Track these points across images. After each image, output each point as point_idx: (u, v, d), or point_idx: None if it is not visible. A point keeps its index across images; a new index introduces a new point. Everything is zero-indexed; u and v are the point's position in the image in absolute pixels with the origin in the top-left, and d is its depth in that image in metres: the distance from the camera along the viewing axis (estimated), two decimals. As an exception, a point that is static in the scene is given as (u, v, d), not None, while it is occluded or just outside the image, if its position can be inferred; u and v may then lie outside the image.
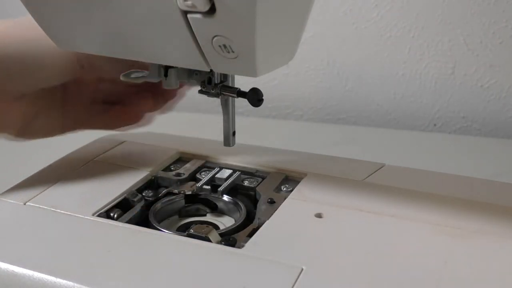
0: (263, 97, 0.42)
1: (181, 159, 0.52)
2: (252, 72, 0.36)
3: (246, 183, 0.47)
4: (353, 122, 0.88)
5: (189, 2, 0.33)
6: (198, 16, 0.34)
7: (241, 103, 0.48)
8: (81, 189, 0.46)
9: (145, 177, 0.47)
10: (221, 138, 0.46)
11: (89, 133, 0.56)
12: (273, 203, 0.43)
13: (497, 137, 0.83)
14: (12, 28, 0.46)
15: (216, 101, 0.46)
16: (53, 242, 0.39)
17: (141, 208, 0.44)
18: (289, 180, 0.47)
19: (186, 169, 0.49)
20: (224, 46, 0.35)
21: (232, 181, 0.46)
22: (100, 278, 0.35)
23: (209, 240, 0.39)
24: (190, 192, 0.46)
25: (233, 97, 0.43)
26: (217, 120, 0.46)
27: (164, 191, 0.47)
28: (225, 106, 0.44)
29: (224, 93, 0.43)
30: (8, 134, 0.47)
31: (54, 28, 0.41)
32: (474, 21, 0.79)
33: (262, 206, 0.43)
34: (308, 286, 0.34)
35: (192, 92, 0.47)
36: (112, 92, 0.51)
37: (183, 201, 0.46)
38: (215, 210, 0.46)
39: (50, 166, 0.50)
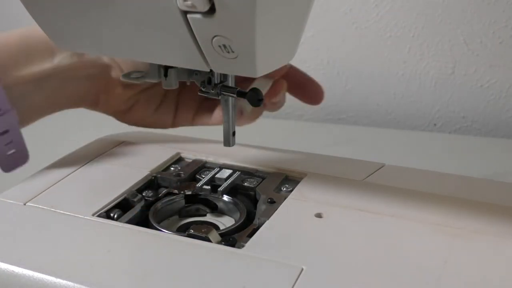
0: (263, 97, 0.42)
1: (181, 159, 0.52)
2: (252, 72, 0.36)
3: (246, 183, 0.47)
4: (353, 122, 0.88)
5: (189, 2, 0.33)
6: (198, 16, 0.34)
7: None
8: (81, 189, 0.46)
9: (145, 177, 0.47)
10: (221, 138, 0.46)
11: (89, 133, 0.56)
12: (273, 203, 0.43)
13: (497, 137, 0.83)
14: None
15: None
16: (53, 242, 0.39)
17: (141, 208, 0.44)
18: (289, 180, 0.47)
19: (186, 169, 0.49)
20: (224, 46, 0.35)
21: (232, 181, 0.46)
22: (100, 278, 0.35)
23: (209, 240, 0.39)
24: (190, 192, 0.46)
25: (233, 97, 0.43)
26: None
27: (164, 191, 0.47)
28: (225, 106, 0.44)
29: (224, 93, 0.43)
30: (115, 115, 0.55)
31: (54, 28, 0.41)
32: (474, 21, 0.79)
33: (262, 206, 0.43)
34: (308, 286, 0.34)
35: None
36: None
37: (183, 201, 0.46)
38: (215, 210, 0.46)
39: (50, 166, 0.50)
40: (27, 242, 0.39)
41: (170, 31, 0.36)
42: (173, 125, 0.55)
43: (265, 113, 0.90)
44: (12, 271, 0.36)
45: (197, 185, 0.46)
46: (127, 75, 0.44)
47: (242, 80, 0.44)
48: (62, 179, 0.47)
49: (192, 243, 0.38)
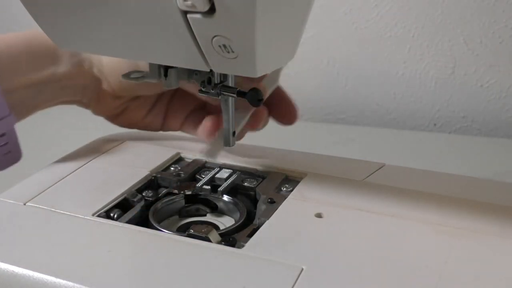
0: (263, 97, 0.42)
1: (181, 159, 0.52)
2: (252, 72, 0.36)
3: (246, 183, 0.47)
4: (353, 122, 0.88)
5: (189, 2, 0.33)
6: (198, 16, 0.34)
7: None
8: (81, 189, 0.46)
9: (145, 177, 0.47)
10: (221, 138, 0.46)
11: (89, 133, 0.56)
12: (273, 203, 0.43)
13: (497, 137, 0.83)
14: None
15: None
16: (53, 242, 0.39)
17: (141, 208, 0.44)
18: (289, 180, 0.47)
19: (186, 169, 0.49)
20: (224, 46, 0.35)
21: (232, 181, 0.46)
22: (100, 278, 0.35)
23: (209, 240, 0.39)
24: (190, 192, 0.46)
25: (233, 97, 0.43)
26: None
27: (164, 191, 0.47)
28: (225, 106, 0.44)
29: (224, 93, 0.43)
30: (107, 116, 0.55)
31: (54, 28, 0.41)
32: (474, 21, 0.79)
33: (262, 206, 0.43)
34: (308, 286, 0.34)
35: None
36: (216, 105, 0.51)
37: (183, 201, 0.46)
38: (215, 210, 0.46)
39: (50, 166, 0.50)
40: (27, 242, 0.39)
41: (170, 31, 0.36)
42: (163, 129, 0.56)
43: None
44: (12, 271, 0.36)
45: (197, 185, 0.46)
46: (127, 75, 0.44)
47: (221, 111, 0.45)
48: (62, 179, 0.47)
49: (192, 243, 0.38)
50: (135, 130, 0.56)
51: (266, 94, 0.48)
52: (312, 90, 0.88)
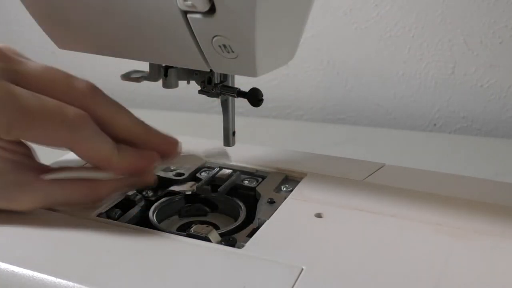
0: (263, 97, 0.42)
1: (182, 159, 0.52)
2: (252, 72, 0.36)
3: (246, 183, 0.47)
4: (353, 122, 0.88)
5: (189, 2, 0.33)
6: (198, 16, 0.34)
7: (241, 103, 0.48)
8: (81, 189, 0.46)
9: (145, 177, 0.47)
10: (221, 138, 0.46)
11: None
12: (273, 203, 0.43)
13: (497, 137, 0.83)
14: None
15: (216, 101, 0.46)
16: (53, 242, 0.39)
17: (141, 208, 0.44)
18: (289, 180, 0.47)
19: (186, 169, 0.49)
20: (224, 46, 0.35)
21: (232, 181, 0.46)
22: (100, 278, 0.35)
23: (209, 240, 0.39)
24: (190, 192, 0.46)
25: (233, 97, 0.43)
26: (217, 120, 0.46)
27: (164, 191, 0.47)
28: (225, 106, 0.44)
29: (224, 93, 0.43)
30: None
31: (54, 28, 0.41)
32: (474, 21, 0.79)
33: (262, 206, 0.43)
34: (308, 286, 0.34)
35: (192, 92, 0.47)
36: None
37: (183, 201, 0.46)
38: (215, 210, 0.46)
39: (50, 166, 0.50)
40: (27, 242, 0.39)
41: (170, 31, 0.36)
42: None
43: (265, 113, 0.91)
44: (12, 271, 0.36)
45: (197, 185, 0.46)
46: (127, 75, 0.44)
47: None
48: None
49: (192, 243, 0.38)
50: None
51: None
52: (312, 90, 0.88)
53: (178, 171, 0.49)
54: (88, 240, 0.39)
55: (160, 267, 0.36)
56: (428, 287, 0.34)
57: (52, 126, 0.39)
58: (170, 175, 0.48)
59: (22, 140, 0.41)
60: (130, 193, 0.45)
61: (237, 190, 0.47)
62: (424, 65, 0.83)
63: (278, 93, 0.89)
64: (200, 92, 0.44)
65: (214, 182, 0.46)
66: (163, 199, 0.45)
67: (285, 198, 0.44)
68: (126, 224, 0.41)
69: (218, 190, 0.45)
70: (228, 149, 0.46)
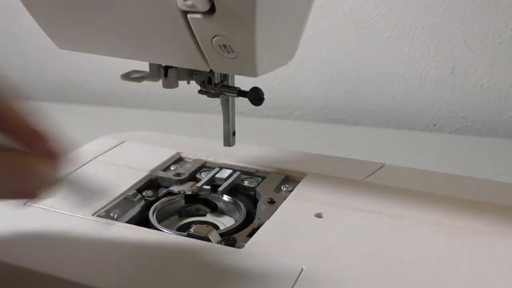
0: (264, 96, 0.42)
1: (181, 159, 0.52)
2: (252, 72, 0.36)
3: (246, 183, 0.47)
4: (353, 122, 0.88)
5: (189, 2, 0.33)
6: (198, 16, 0.34)
7: (241, 103, 0.48)
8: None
9: (145, 177, 0.47)
10: (221, 138, 0.46)
11: (89, 133, 0.56)
12: (273, 203, 0.43)
13: (497, 137, 0.83)
14: None
15: (216, 101, 0.46)
16: (53, 242, 0.39)
17: (141, 208, 0.44)
18: (289, 180, 0.47)
19: (186, 169, 0.49)
20: (224, 46, 0.35)
21: (232, 181, 0.46)
22: (100, 278, 0.35)
23: (209, 240, 0.39)
24: (190, 192, 0.46)
25: (233, 96, 0.43)
26: (217, 120, 0.46)
27: (164, 191, 0.47)
28: (225, 106, 0.44)
29: (225, 92, 0.43)
30: None
31: (54, 28, 0.41)
32: (474, 21, 0.79)
33: (262, 206, 0.43)
34: (308, 286, 0.34)
35: (192, 92, 0.47)
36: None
37: (183, 201, 0.46)
38: (215, 210, 0.46)
39: (50, 166, 0.50)
40: (27, 242, 0.39)
41: (170, 31, 0.36)
42: None
43: (265, 113, 0.91)
44: (12, 271, 0.36)
45: (197, 185, 0.46)
46: (127, 75, 0.44)
47: None
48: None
49: (192, 243, 0.38)
50: (135, 130, 0.56)
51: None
52: (312, 90, 0.88)
53: (178, 171, 0.49)
54: (88, 240, 0.39)
55: (160, 267, 0.36)
56: (428, 287, 0.34)
57: None
58: (170, 175, 0.48)
59: None
60: (130, 193, 0.45)
61: (237, 190, 0.47)
62: (424, 65, 0.83)
63: (278, 93, 0.89)
64: (200, 92, 0.44)
65: (214, 182, 0.46)
66: (163, 199, 0.45)
67: (285, 198, 0.44)
68: (126, 224, 0.41)
69: (218, 190, 0.45)
70: (228, 149, 0.46)
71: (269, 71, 0.37)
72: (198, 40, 0.35)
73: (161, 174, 0.48)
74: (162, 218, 0.45)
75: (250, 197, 0.46)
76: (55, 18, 0.40)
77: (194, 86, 0.45)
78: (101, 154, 0.51)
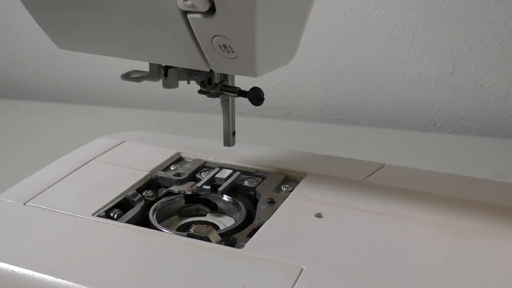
0: (264, 96, 0.42)
1: (181, 159, 0.52)
2: (252, 72, 0.36)
3: (246, 183, 0.47)
4: (353, 122, 0.88)
5: (189, 2, 0.33)
6: (198, 16, 0.34)
7: (242, 103, 0.48)
8: (81, 189, 0.46)
9: (145, 177, 0.48)
10: (221, 138, 0.46)
11: (89, 133, 0.56)
12: (273, 203, 0.43)
13: (497, 137, 0.83)
14: None
15: (216, 101, 0.46)
16: (53, 242, 0.39)
17: (141, 208, 0.44)
18: (289, 180, 0.47)
19: (186, 169, 0.49)
20: (224, 46, 0.35)
21: (232, 181, 0.46)
22: (100, 278, 0.35)
23: (209, 240, 0.39)
24: (190, 192, 0.46)
25: (233, 96, 0.43)
26: (217, 120, 0.46)
27: (164, 191, 0.47)
28: (225, 106, 0.44)
29: (225, 92, 0.43)
30: None
31: (54, 28, 0.41)
32: (474, 21, 0.79)
33: (262, 206, 0.43)
34: (308, 286, 0.34)
35: (192, 92, 0.47)
36: None
37: (183, 201, 0.46)
38: (215, 210, 0.46)
39: (50, 166, 0.50)
40: (27, 242, 0.39)
41: (170, 31, 0.36)
42: None
43: (265, 113, 0.91)
44: (12, 271, 0.36)
45: (197, 185, 0.46)
46: (127, 75, 0.44)
47: None
48: (62, 179, 0.47)
49: (192, 243, 0.38)
50: (135, 130, 0.56)
51: None
52: (312, 90, 0.88)
53: (178, 171, 0.49)
54: (88, 240, 0.39)
55: (160, 267, 0.36)
56: (428, 287, 0.34)
57: None
58: (170, 175, 0.48)
59: None
60: (130, 193, 0.45)
61: (237, 190, 0.47)
62: (424, 65, 0.83)
63: (278, 93, 0.89)
64: (200, 92, 0.44)
65: (214, 182, 0.46)
66: (163, 199, 0.45)
67: (285, 198, 0.44)
68: (126, 224, 0.41)
69: (218, 190, 0.45)
70: (228, 149, 0.46)
71: (269, 71, 0.37)
72: (198, 40, 0.35)
73: (161, 174, 0.48)
74: (162, 218, 0.45)
75: (250, 197, 0.46)
76: (55, 18, 0.40)
77: (194, 86, 0.45)
78: (101, 154, 0.51)
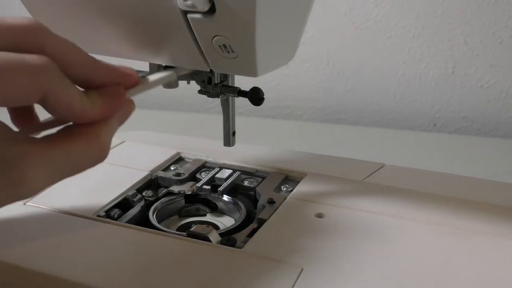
0: (264, 96, 0.42)
1: (181, 159, 0.52)
2: (252, 72, 0.36)
3: (246, 183, 0.47)
4: (353, 122, 0.88)
5: (189, 2, 0.33)
6: (198, 16, 0.34)
7: (241, 103, 0.48)
8: (81, 189, 0.46)
9: (145, 177, 0.47)
10: (221, 138, 0.46)
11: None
12: (273, 203, 0.43)
13: (497, 137, 0.83)
14: None
15: (216, 101, 0.46)
16: (53, 242, 0.39)
17: (141, 208, 0.44)
18: (289, 180, 0.47)
19: (186, 169, 0.49)
20: (224, 46, 0.35)
21: (232, 181, 0.46)
22: (100, 278, 0.35)
23: (209, 240, 0.39)
24: (190, 192, 0.46)
25: (233, 96, 0.43)
26: (217, 120, 0.46)
27: (164, 191, 0.47)
28: (225, 106, 0.44)
29: (225, 92, 0.43)
30: None
31: (54, 28, 0.41)
32: (474, 21, 0.79)
33: (262, 206, 0.43)
34: (308, 286, 0.34)
35: (192, 92, 0.47)
36: None
37: (183, 201, 0.46)
38: (215, 210, 0.46)
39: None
40: (27, 242, 0.39)
41: (170, 31, 0.36)
42: None
43: (265, 113, 0.91)
44: (12, 271, 0.36)
45: (197, 185, 0.46)
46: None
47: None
48: (62, 179, 0.47)
49: (192, 243, 0.38)
50: (135, 130, 0.56)
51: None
52: (312, 90, 0.88)
53: (178, 171, 0.49)
54: (88, 240, 0.39)
55: (160, 267, 0.36)
56: (428, 287, 0.34)
57: (16, 79, 0.30)
58: (170, 175, 0.48)
59: None
60: (130, 193, 0.45)
61: (237, 190, 0.47)
62: (424, 65, 0.83)
63: (278, 93, 0.89)
64: (200, 92, 0.44)
65: (214, 182, 0.46)
66: (163, 199, 0.45)
67: (285, 198, 0.44)
68: (126, 224, 0.41)
69: (218, 190, 0.45)
70: (228, 149, 0.46)
71: (269, 71, 0.37)
72: (198, 40, 0.35)
73: (161, 174, 0.48)
74: (162, 218, 0.45)
75: (250, 197, 0.46)
76: (55, 18, 0.40)
77: (194, 86, 0.45)
78: (101, 154, 0.51)
